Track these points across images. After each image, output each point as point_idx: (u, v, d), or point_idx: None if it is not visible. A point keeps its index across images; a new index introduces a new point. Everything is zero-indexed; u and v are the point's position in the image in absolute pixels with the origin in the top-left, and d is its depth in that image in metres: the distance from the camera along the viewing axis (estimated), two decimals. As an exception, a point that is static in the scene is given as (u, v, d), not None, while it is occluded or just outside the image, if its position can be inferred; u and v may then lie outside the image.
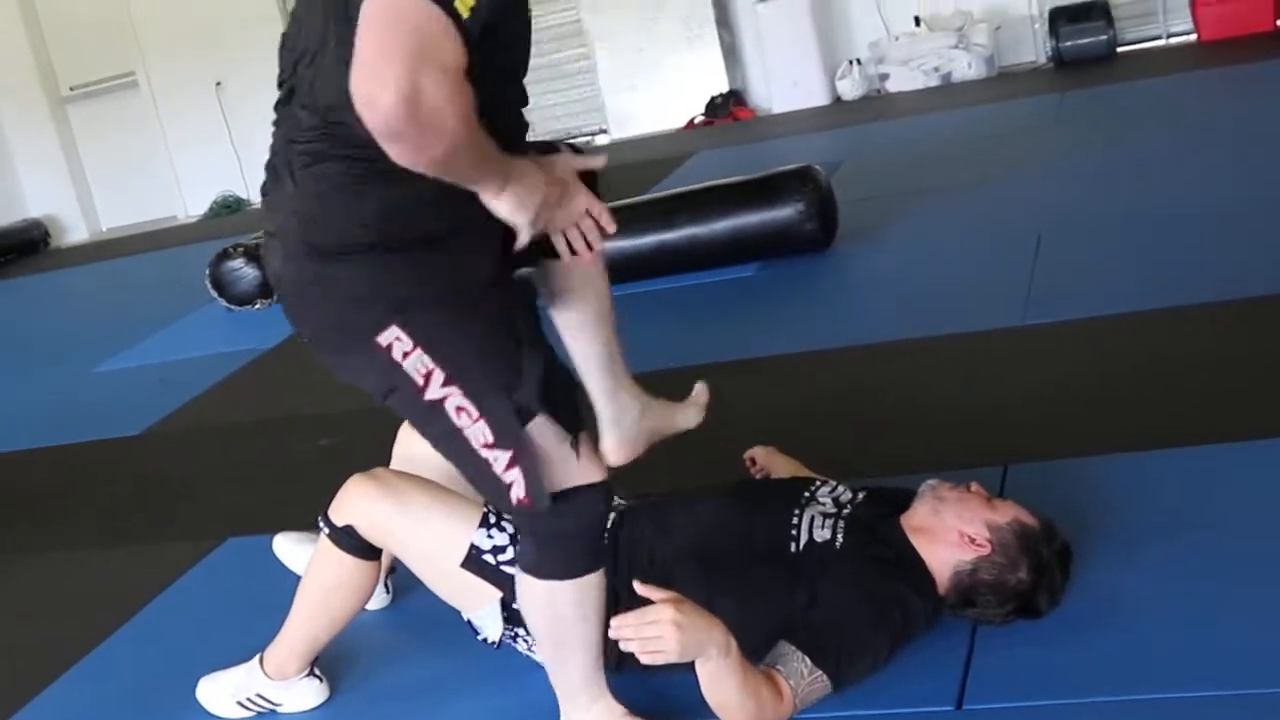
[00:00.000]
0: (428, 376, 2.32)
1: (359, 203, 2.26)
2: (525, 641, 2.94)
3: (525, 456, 2.35)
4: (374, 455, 3.19)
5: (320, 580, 2.99)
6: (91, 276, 10.68)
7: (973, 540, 2.76)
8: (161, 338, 7.62)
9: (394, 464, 3.27)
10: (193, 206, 12.33)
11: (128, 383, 6.92)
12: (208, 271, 7.70)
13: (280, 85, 2.41)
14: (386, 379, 2.37)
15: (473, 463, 2.40)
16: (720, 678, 2.51)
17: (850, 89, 10.42)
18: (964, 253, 5.87)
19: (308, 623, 3.03)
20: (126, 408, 6.36)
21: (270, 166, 2.45)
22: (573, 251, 2.40)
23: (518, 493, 2.36)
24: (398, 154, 2.00)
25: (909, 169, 7.61)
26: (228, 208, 11.98)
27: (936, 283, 5.53)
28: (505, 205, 2.19)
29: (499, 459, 2.36)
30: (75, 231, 12.97)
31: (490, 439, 2.36)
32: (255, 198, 11.80)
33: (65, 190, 12.97)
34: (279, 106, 2.43)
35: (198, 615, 3.97)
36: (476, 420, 2.35)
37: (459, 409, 2.34)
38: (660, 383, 4.87)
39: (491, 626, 2.93)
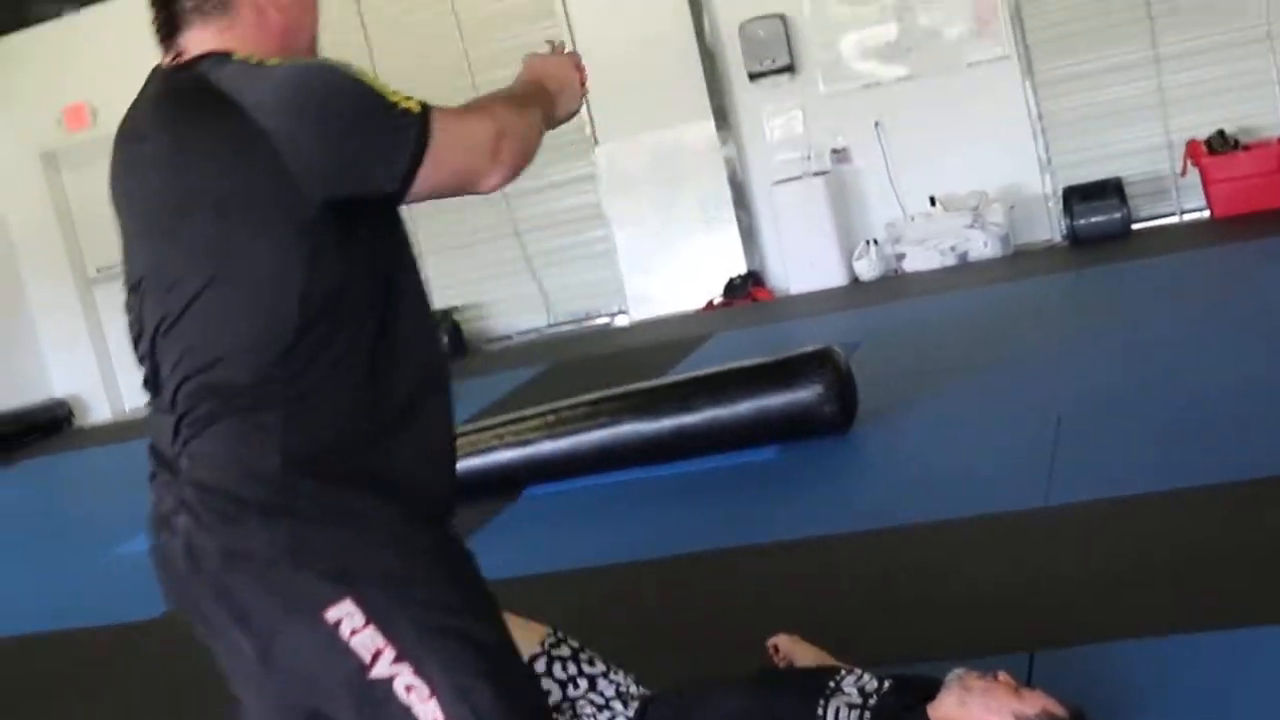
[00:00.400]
0: (377, 654, 2.11)
1: (263, 459, 2.11)
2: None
3: None
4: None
5: None
6: (114, 456, 10.69)
7: None
8: (181, 519, 7.59)
9: None
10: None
11: (147, 566, 6.88)
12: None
13: (141, 361, 2.32)
14: (325, 660, 2.14)
15: None
16: None
17: (867, 269, 10.50)
18: (984, 433, 5.85)
19: None
20: (148, 590, 6.31)
21: (154, 450, 2.31)
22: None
23: None
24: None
25: (928, 349, 7.63)
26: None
27: (958, 464, 5.50)
28: (567, 108, 2.53)
29: None
30: (99, 411, 13.03)
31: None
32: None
33: (90, 370, 13.06)
34: (147, 386, 2.33)
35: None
36: (428, 700, 2.12)
37: (408, 688, 2.12)
38: (683, 568, 4.87)
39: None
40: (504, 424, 6.48)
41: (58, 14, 12.42)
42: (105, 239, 12.65)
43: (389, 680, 2.10)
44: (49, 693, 5.28)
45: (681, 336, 9.44)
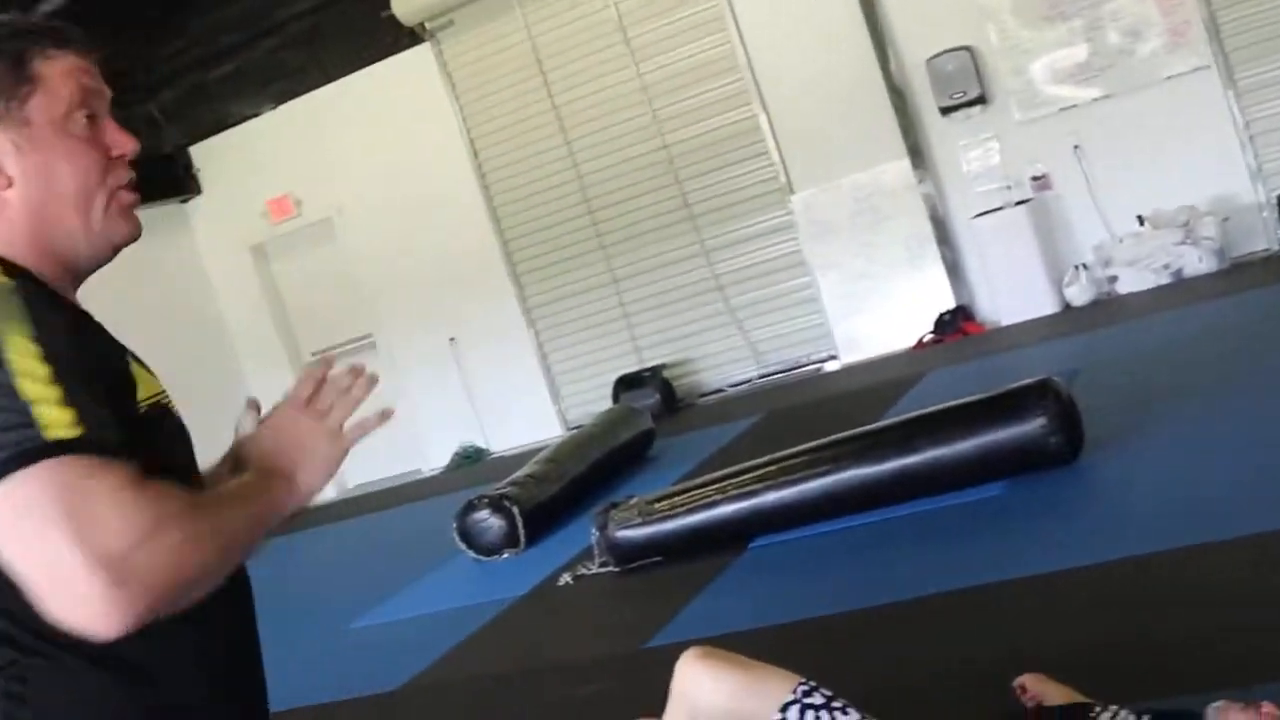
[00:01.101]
0: None
1: None
2: None
3: None
4: (637, 701, 3.16)
5: None
6: (342, 533, 10.93)
7: None
8: (413, 591, 7.73)
9: (672, 706, 3.26)
10: (434, 459, 12.62)
11: (382, 638, 7.02)
12: (455, 524, 7.82)
13: None
14: None
15: None
16: None
17: (1079, 295, 10.30)
18: (1218, 456, 5.67)
19: None
20: (382, 663, 6.45)
21: None
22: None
23: None
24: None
25: (1150, 372, 7.44)
26: (468, 458, 12.22)
27: (1194, 489, 5.34)
28: (316, 481, 1.93)
29: None
30: (324, 491, 13.30)
31: None
32: (494, 447, 12.09)
33: (311, 450, 13.38)
34: None
35: None
36: None
37: None
38: (919, 612, 4.81)
39: None
40: (725, 478, 6.48)
41: (255, 113, 12.83)
42: (316, 324, 13.04)
43: None
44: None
45: (894, 377, 9.36)
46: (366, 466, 13.21)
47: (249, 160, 12.91)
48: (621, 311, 11.72)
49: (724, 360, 11.49)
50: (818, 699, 3.13)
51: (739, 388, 11.33)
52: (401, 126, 12.15)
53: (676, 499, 6.56)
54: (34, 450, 1.54)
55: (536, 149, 11.79)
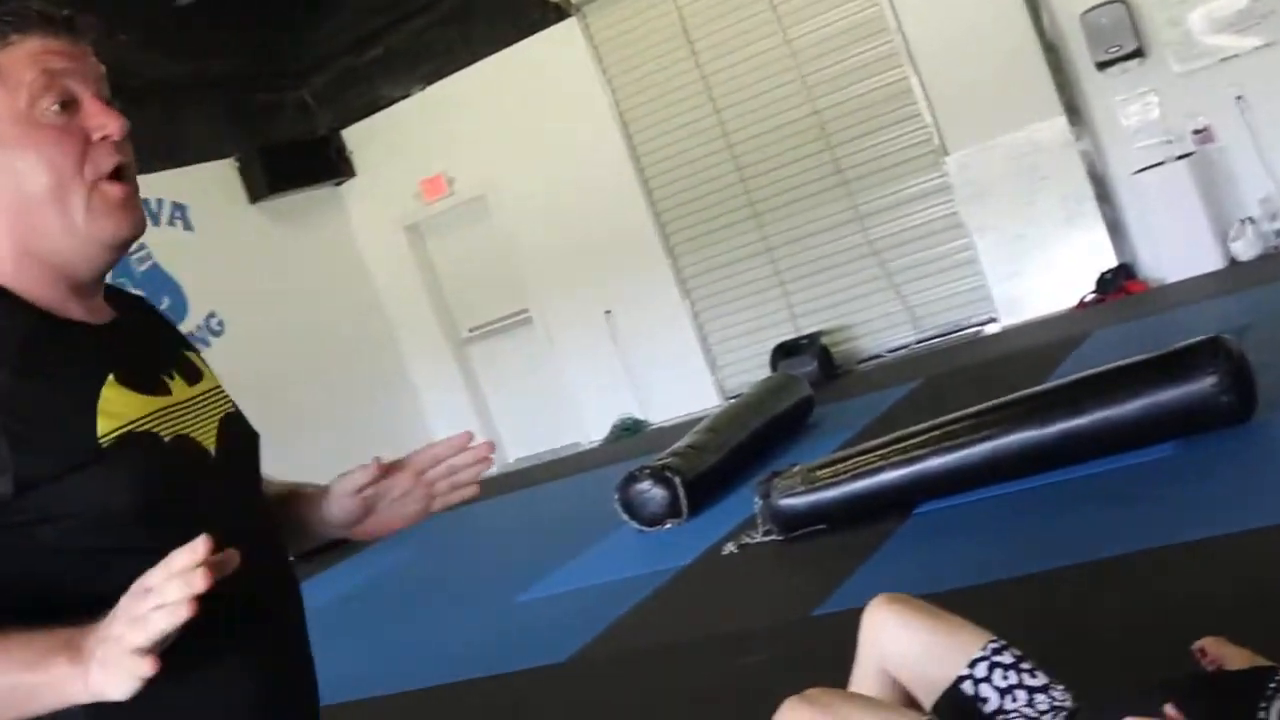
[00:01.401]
0: None
1: None
2: None
3: None
4: (806, 669, 3.14)
5: None
6: (504, 507, 11.03)
7: None
8: (577, 564, 7.78)
9: (862, 654, 3.24)
10: (593, 432, 12.68)
11: (549, 611, 7.08)
12: (617, 495, 7.86)
13: None
14: None
15: None
16: None
17: (1245, 249, 10.05)
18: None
19: None
20: (551, 636, 6.50)
21: None
22: None
23: None
24: None
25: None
26: (627, 430, 12.27)
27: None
28: (95, 685, 1.50)
29: None
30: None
31: None
32: (652, 418, 12.11)
33: (471, 427, 13.37)
34: None
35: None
36: None
37: None
38: (1090, 575, 4.74)
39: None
40: (888, 444, 6.44)
41: (405, 94, 12.96)
42: (472, 302, 13.16)
43: None
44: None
45: (1056, 339, 9.22)
46: (526, 441, 13.34)
47: (401, 141, 13.04)
48: (777, 279, 11.67)
49: (881, 326, 11.39)
50: (1007, 658, 3.10)
51: (897, 353, 11.24)
52: (550, 101, 12.20)
53: (839, 466, 6.53)
54: None
55: (686, 119, 11.76)
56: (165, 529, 1.62)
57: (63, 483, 1.61)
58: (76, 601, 1.59)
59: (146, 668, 1.45)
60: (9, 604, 1.60)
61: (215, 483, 1.80)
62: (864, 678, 3.27)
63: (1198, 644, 3.27)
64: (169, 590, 1.45)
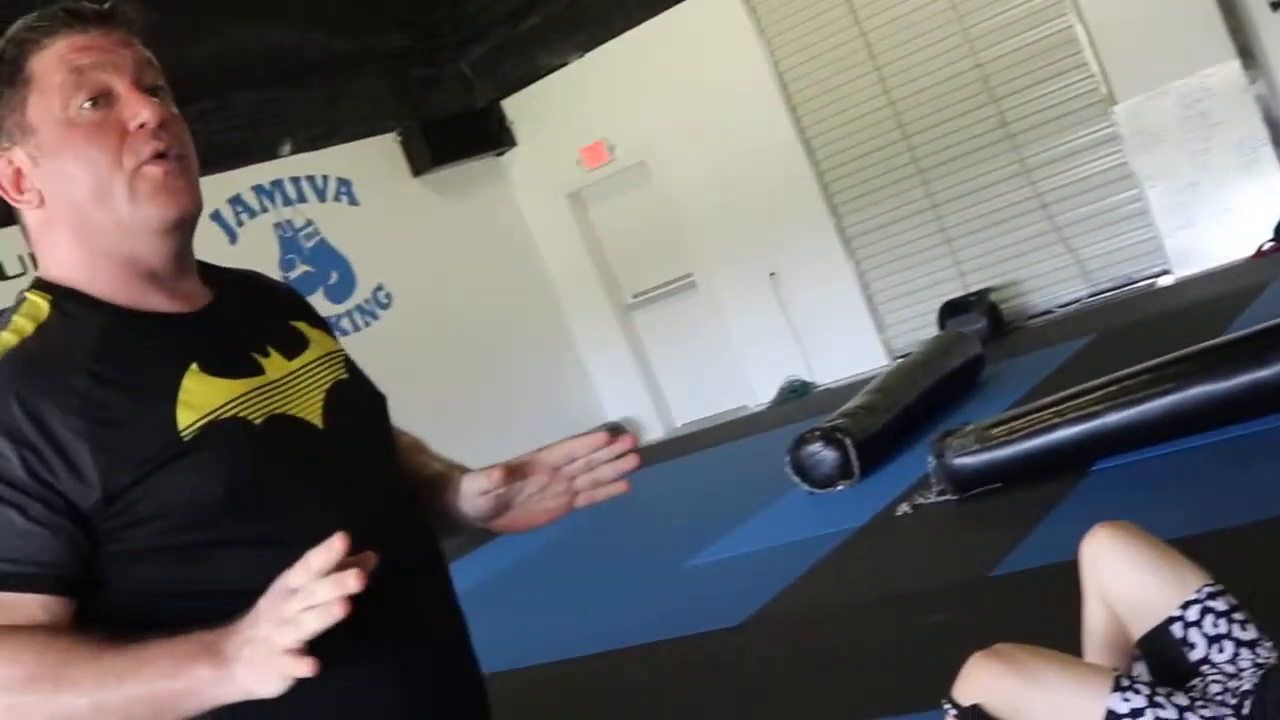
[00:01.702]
0: None
1: None
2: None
3: None
4: (986, 628, 3.09)
5: None
6: (672, 471, 11.05)
7: None
8: (749, 528, 7.76)
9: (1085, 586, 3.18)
10: (760, 394, 12.64)
11: (721, 575, 7.08)
12: (787, 457, 7.83)
13: None
14: None
15: None
16: None
17: None
18: None
19: None
20: (723, 600, 6.50)
21: None
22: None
23: None
24: None
25: None
26: (794, 392, 12.21)
27: None
28: (242, 694, 1.52)
29: None
30: (652, 430, 13.50)
31: None
32: (819, 380, 12.05)
33: (638, 392, 13.56)
34: None
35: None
36: None
37: None
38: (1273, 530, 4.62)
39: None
40: (1063, 400, 6.33)
41: (563, 62, 12.99)
42: (636, 267, 13.20)
43: None
44: (646, 704, 5.49)
45: (1234, 289, 8.98)
46: (693, 405, 13.35)
47: (560, 110, 13.09)
48: (943, 236, 11.51)
49: (1051, 280, 11.19)
50: (1221, 604, 3.01)
51: (1068, 308, 11.03)
52: (709, 64, 12.13)
53: (1014, 424, 6.43)
54: None
55: (846, 76, 11.63)
56: (268, 514, 1.66)
57: (149, 482, 1.61)
58: (183, 598, 1.63)
59: (304, 668, 1.45)
60: (116, 611, 1.62)
61: (326, 457, 1.77)
62: (1089, 609, 3.21)
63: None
64: (319, 591, 1.45)
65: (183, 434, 1.64)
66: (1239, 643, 2.99)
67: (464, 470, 2.03)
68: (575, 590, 8.01)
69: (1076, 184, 10.93)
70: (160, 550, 1.64)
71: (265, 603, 1.50)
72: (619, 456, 2.00)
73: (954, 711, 2.88)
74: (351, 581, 1.43)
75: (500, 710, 1.94)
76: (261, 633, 1.48)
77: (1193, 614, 2.99)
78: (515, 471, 1.98)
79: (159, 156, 1.72)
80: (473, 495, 1.97)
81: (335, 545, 1.45)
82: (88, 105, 1.70)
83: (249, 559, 1.63)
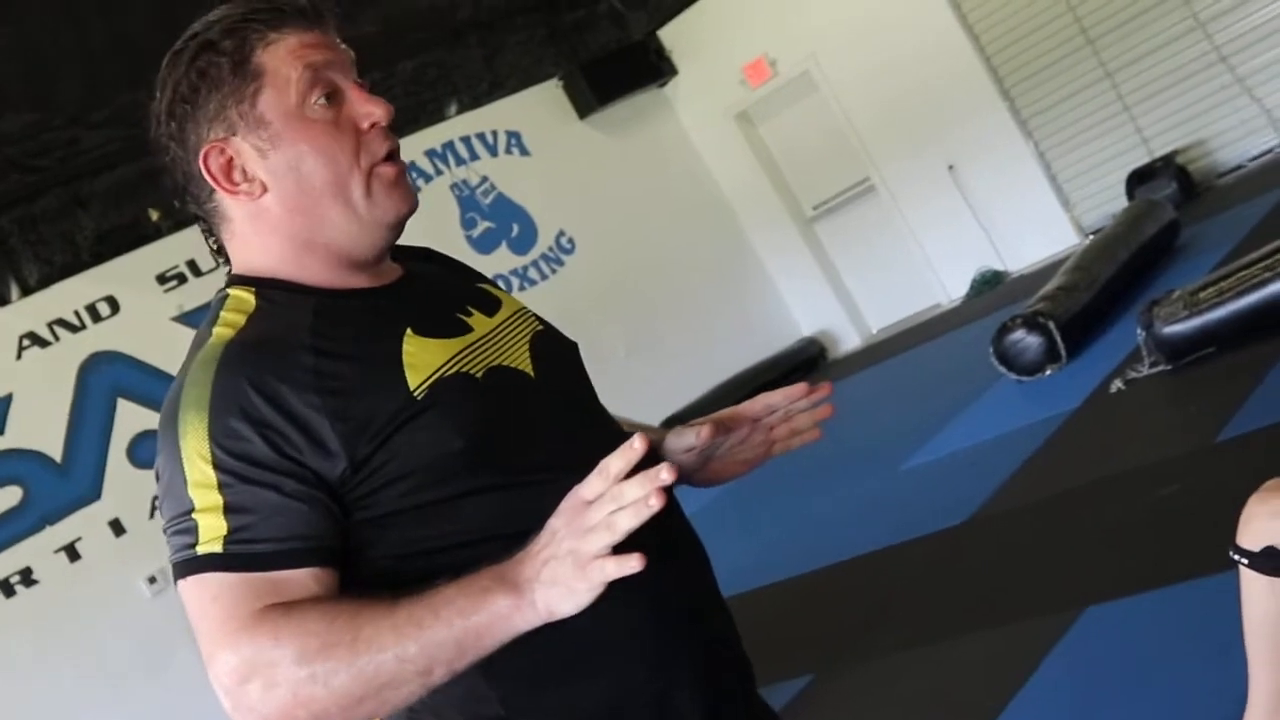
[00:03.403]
0: None
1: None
2: None
3: None
4: (1219, 495, 3.02)
5: (1264, 618, 2.81)
6: (874, 378, 11.01)
7: None
8: (959, 424, 7.71)
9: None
10: (953, 290, 12.49)
11: (940, 474, 7.05)
12: (991, 348, 7.74)
13: None
14: None
15: None
16: None
17: None
18: None
19: (1274, 670, 2.81)
20: (945, 499, 6.47)
21: None
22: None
23: None
24: None
25: None
26: (987, 283, 12.04)
27: None
28: (547, 615, 1.56)
29: None
30: (848, 341, 13.43)
31: None
32: (1012, 267, 11.88)
33: (830, 304, 13.48)
34: None
35: (1077, 691, 3.93)
36: None
37: None
38: None
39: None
40: (1272, 253, 6.16)
41: (724, -22, 12.92)
42: (812, 178, 13.13)
43: None
44: (881, 611, 5.50)
45: None
46: (886, 310, 13.25)
47: (717, 32, 13.00)
48: (1121, 105, 11.21)
49: (1239, 134, 10.83)
50: None
51: (1260, 160, 10.69)
52: (860, -36, 11.99)
53: (1223, 284, 6.27)
54: (186, 563, 1.61)
55: (1001, -46, 11.40)
56: (507, 460, 1.71)
57: (390, 446, 1.65)
58: (435, 553, 1.67)
59: (630, 564, 1.50)
60: (373, 577, 1.67)
61: (544, 403, 1.82)
62: None
63: None
64: (627, 491, 1.51)
65: (415, 394, 1.68)
66: None
67: (663, 430, 2.07)
68: (797, 506, 8.01)
69: (1255, 30, 10.55)
70: (408, 511, 1.68)
71: (558, 521, 1.56)
72: (816, 405, 2.05)
73: (1245, 560, 2.78)
74: (665, 473, 1.49)
75: (745, 631, 1.96)
76: (564, 548, 1.54)
77: None
78: (720, 427, 2.01)
79: (390, 156, 1.80)
80: (678, 452, 1.99)
81: (636, 445, 1.52)
82: (322, 102, 1.76)
83: (494, 505, 1.69)
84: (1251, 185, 9.91)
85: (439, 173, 11.74)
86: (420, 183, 11.45)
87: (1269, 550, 2.72)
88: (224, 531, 1.59)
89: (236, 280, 1.81)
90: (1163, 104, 11.00)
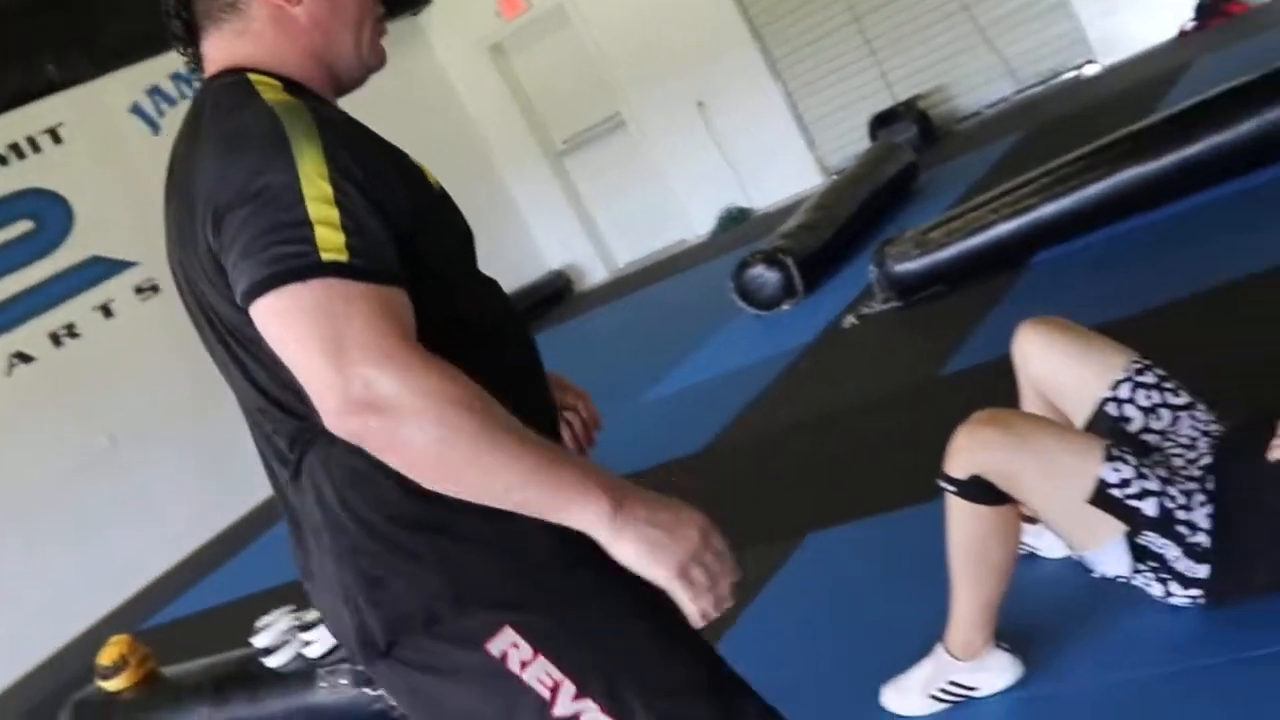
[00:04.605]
0: (555, 689, 1.79)
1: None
2: (1150, 577, 2.87)
3: None
4: (938, 427, 3.11)
5: (967, 541, 2.95)
6: (620, 310, 11.09)
7: None
8: (699, 357, 7.83)
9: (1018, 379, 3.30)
10: (699, 226, 12.64)
11: (679, 405, 7.14)
12: (731, 283, 7.87)
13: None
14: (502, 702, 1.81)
15: None
16: None
17: (1345, -46, 9.69)
18: None
19: (974, 588, 2.98)
20: (685, 427, 6.56)
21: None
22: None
23: None
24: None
25: None
26: (734, 219, 12.22)
27: None
28: (630, 544, 1.66)
29: None
30: (595, 274, 13.50)
31: None
32: (757, 205, 12.05)
33: (578, 238, 13.53)
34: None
35: (797, 614, 4.04)
36: None
37: None
38: (1218, 302, 4.69)
39: (1115, 562, 2.87)
40: (999, 196, 6.37)
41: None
42: (563, 113, 13.08)
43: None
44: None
45: (1159, 73, 8.98)
46: (633, 245, 13.33)
47: (473, -41, 12.90)
48: (867, 48, 11.43)
49: (978, 82, 11.15)
50: (1150, 377, 3.09)
51: (997, 107, 11.03)
52: (616, -105, 11.97)
53: (952, 224, 6.47)
54: (307, 267, 1.63)
55: (756, -106, 11.50)
56: (473, 265, 1.96)
57: (422, 225, 1.80)
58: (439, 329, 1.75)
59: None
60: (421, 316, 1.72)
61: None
62: (1028, 404, 3.29)
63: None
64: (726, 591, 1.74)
65: (434, 191, 1.94)
66: (1174, 409, 3.07)
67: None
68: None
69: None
70: (439, 278, 1.83)
71: (699, 532, 1.72)
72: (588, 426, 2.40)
73: (953, 487, 2.91)
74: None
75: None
76: (709, 557, 1.72)
77: (1124, 391, 3.07)
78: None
79: (383, 18, 2.06)
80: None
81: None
82: None
83: (474, 298, 1.92)
84: (988, 131, 10.23)
85: (184, 96, 11.34)
86: (165, 107, 11.08)
87: (975, 479, 2.85)
88: (343, 243, 1.65)
89: (248, 69, 1.89)
90: (907, 49, 11.26)
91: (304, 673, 4.45)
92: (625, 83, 12.63)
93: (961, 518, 2.93)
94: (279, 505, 1.94)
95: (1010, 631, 3.12)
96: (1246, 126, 5.69)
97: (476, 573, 1.75)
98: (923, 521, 3.10)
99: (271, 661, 4.55)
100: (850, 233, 8.27)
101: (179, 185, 1.87)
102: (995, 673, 3.05)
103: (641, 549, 1.65)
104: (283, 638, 4.56)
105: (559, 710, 1.77)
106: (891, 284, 6.55)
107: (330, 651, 4.40)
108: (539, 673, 1.77)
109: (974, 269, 6.31)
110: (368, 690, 4.25)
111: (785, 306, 7.71)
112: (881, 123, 11.00)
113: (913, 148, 9.82)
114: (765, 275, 7.74)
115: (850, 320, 6.75)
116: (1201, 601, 2.89)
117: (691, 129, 12.33)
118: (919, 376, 5.53)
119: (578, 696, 1.77)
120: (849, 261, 7.91)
